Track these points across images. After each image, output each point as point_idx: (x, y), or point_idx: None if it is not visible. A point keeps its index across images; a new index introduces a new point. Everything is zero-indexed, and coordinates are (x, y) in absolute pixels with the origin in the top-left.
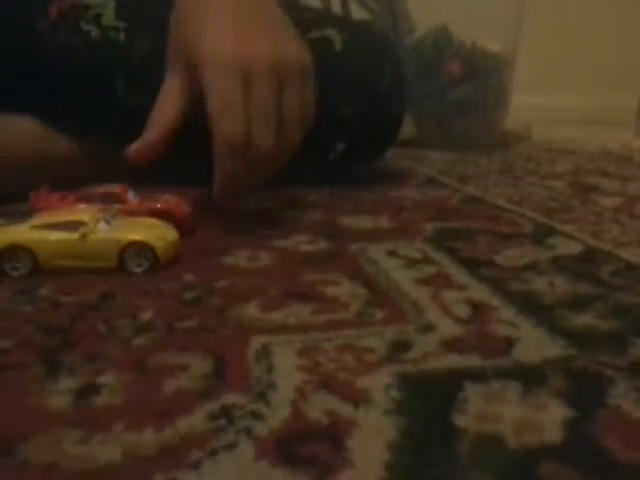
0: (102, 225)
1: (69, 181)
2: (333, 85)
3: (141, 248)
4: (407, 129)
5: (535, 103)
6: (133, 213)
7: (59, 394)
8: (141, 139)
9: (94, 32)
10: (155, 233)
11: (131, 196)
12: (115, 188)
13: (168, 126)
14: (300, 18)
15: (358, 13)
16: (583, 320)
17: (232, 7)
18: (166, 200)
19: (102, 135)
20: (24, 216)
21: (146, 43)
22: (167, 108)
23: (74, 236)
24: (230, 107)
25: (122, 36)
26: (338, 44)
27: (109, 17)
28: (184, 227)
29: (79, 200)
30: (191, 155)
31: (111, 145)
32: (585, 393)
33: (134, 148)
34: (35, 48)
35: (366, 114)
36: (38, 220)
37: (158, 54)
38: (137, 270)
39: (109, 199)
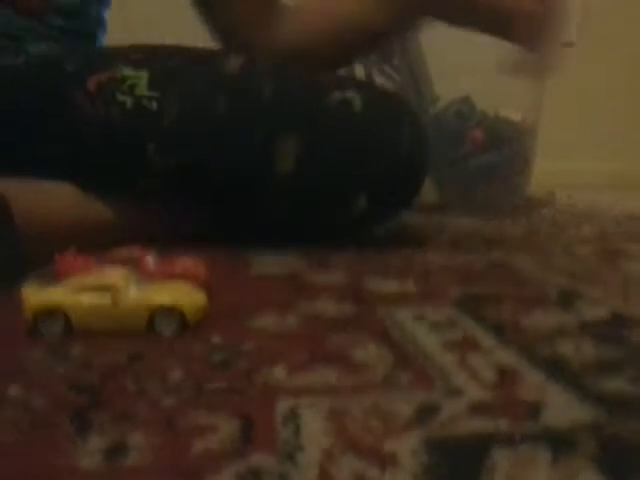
0: (133, 288)
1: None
2: (354, 144)
3: (170, 311)
4: (430, 195)
5: (558, 168)
6: (151, 277)
7: (89, 454)
8: None
9: (129, 102)
10: (184, 296)
11: (150, 260)
12: (134, 251)
13: None
14: (322, 80)
15: (381, 84)
16: (613, 385)
17: None
18: (183, 263)
19: (135, 199)
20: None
21: (176, 108)
22: None
23: (106, 299)
24: None
25: (154, 104)
26: (357, 104)
27: (142, 87)
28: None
29: (101, 264)
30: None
31: (143, 210)
32: (618, 461)
33: None
34: (75, 120)
35: (387, 171)
36: (72, 283)
37: (187, 118)
38: (166, 332)
39: (129, 263)
